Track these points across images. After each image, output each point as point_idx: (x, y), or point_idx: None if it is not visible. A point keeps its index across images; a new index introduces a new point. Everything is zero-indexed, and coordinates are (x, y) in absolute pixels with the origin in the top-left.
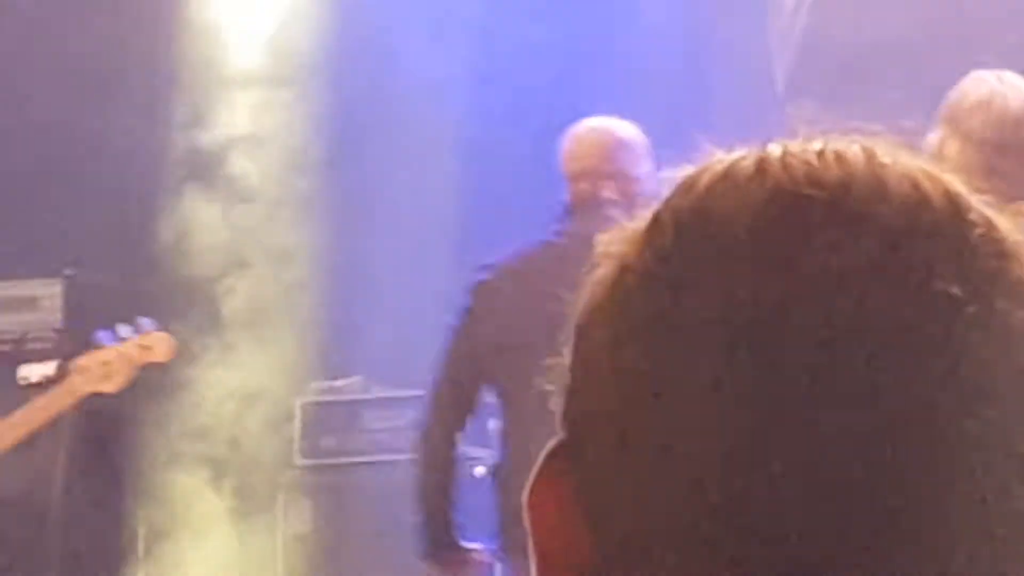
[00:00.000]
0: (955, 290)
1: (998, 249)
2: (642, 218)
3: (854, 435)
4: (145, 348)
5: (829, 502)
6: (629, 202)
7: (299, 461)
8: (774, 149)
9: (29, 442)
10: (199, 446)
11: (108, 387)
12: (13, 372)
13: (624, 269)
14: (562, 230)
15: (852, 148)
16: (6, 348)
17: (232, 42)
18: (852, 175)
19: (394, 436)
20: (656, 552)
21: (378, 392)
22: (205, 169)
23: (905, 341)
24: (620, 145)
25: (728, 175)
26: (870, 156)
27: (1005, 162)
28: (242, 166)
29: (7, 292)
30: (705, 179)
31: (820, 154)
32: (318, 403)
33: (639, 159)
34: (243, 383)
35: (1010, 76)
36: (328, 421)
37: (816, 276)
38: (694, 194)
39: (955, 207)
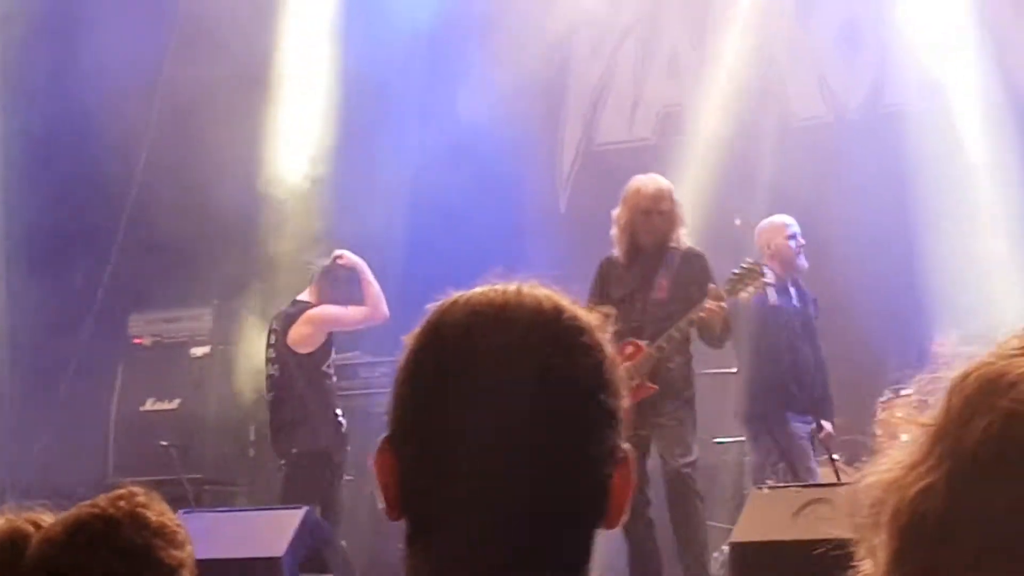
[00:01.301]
0: (547, 354)
1: (579, 329)
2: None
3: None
4: None
5: (499, 465)
6: None
7: None
8: (483, 287)
9: None
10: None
11: None
12: (187, 351)
13: (408, 350)
14: None
15: (513, 285)
16: (184, 339)
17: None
18: (507, 299)
19: (374, 380)
20: (427, 488)
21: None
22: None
23: (517, 379)
24: None
25: (459, 300)
26: (519, 288)
27: (651, 218)
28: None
29: (184, 313)
30: (455, 299)
31: (497, 289)
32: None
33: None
34: None
35: (653, 175)
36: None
37: (486, 352)
38: (442, 307)
39: (557, 311)
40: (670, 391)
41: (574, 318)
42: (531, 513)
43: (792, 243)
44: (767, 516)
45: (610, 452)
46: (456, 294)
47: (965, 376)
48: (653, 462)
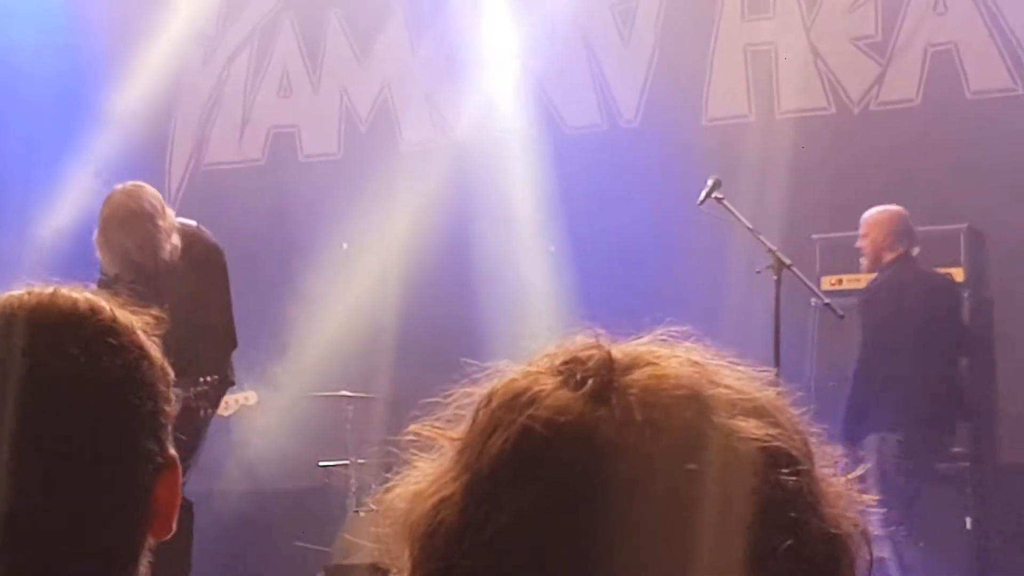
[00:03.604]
0: (73, 355)
1: (112, 330)
2: None
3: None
4: None
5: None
6: None
7: None
8: (19, 290)
9: None
10: None
11: None
12: None
13: None
14: None
15: (50, 288)
16: None
17: None
18: (40, 300)
19: None
20: None
21: None
22: None
23: (42, 382)
24: None
25: (8, 301)
26: (55, 290)
27: (115, 239)
28: None
29: None
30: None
31: (32, 291)
32: None
33: None
34: None
35: (131, 188)
36: None
37: (12, 355)
38: None
39: (92, 311)
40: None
41: (110, 319)
42: (59, 520)
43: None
44: (364, 539)
45: (146, 456)
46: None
47: (492, 392)
48: None
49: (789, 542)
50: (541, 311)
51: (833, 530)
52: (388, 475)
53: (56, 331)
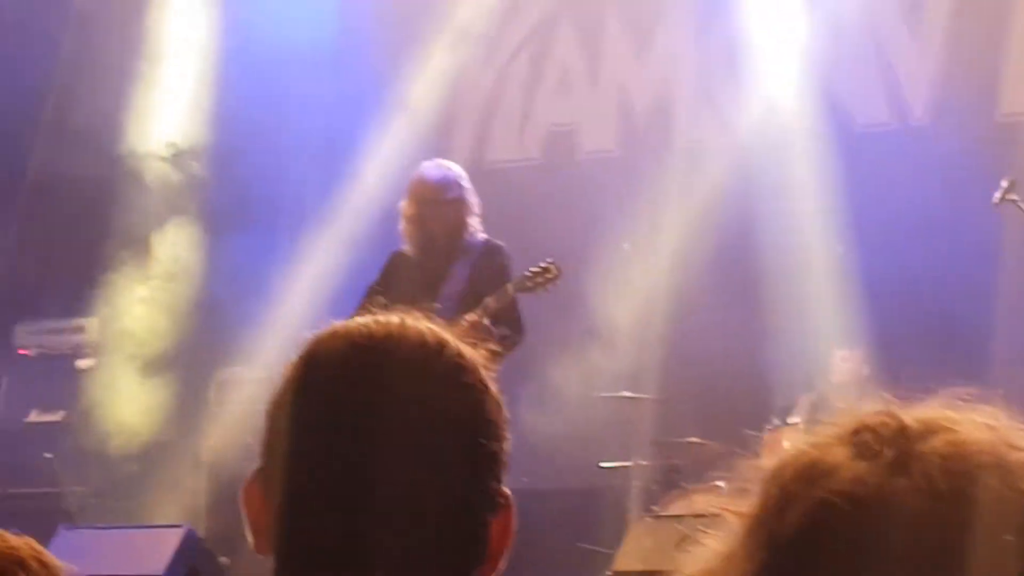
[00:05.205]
0: (426, 393)
1: (460, 367)
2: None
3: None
4: None
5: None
6: None
7: None
8: (365, 318)
9: None
10: None
11: None
12: (73, 363)
13: (285, 380)
14: None
15: (396, 317)
16: (69, 352)
17: None
18: (389, 332)
19: None
20: (296, 526)
21: None
22: None
23: (393, 418)
24: None
25: (338, 331)
26: (402, 321)
27: (439, 208)
28: None
29: (70, 325)
30: (334, 330)
31: (379, 320)
32: None
33: None
34: None
35: (441, 161)
36: None
37: (362, 389)
38: (320, 337)
39: (439, 346)
40: None
41: (457, 355)
42: (403, 559)
43: None
44: (648, 545)
45: (489, 498)
46: (335, 324)
47: (782, 465)
48: None
49: None
50: (827, 315)
51: None
52: (668, 478)
53: (408, 366)
